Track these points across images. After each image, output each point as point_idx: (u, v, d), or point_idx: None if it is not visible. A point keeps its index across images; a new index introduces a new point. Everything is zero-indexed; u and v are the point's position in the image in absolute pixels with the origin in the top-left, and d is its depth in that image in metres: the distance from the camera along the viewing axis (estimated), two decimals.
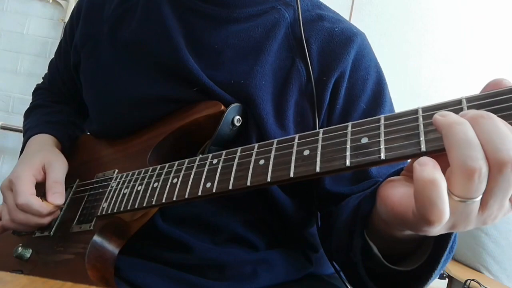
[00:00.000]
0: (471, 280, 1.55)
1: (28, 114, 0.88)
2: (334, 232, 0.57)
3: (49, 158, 0.69)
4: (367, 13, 2.24)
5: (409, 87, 2.12)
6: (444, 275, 1.76)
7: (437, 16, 2.28)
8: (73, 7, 1.07)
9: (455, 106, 0.35)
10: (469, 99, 0.35)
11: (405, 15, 2.28)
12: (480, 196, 0.32)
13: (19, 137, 2.09)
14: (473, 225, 0.34)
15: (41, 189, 0.66)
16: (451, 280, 1.77)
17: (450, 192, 0.32)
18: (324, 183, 0.63)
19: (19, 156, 0.78)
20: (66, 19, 2.08)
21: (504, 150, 0.30)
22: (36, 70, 2.16)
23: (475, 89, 0.36)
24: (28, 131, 0.79)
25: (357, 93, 0.64)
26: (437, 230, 0.34)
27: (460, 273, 1.69)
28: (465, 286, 1.56)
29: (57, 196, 0.64)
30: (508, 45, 2.22)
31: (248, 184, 0.45)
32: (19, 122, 2.09)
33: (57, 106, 0.87)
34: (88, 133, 0.80)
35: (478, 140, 0.31)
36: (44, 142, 0.76)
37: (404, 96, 1.95)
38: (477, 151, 0.31)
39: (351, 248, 0.49)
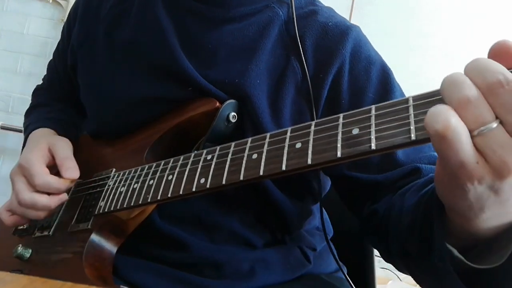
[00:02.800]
0: None
1: (29, 113, 0.88)
2: (396, 235, 0.52)
3: (53, 141, 0.69)
4: (367, 13, 2.24)
5: (409, 87, 2.10)
6: None
7: (438, 16, 2.28)
8: None
9: None
10: None
11: (405, 15, 2.28)
12: (496, 122, 0.31)
13: (19, 137, 2.09)
14: None
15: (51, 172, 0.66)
16: None
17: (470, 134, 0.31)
18: (355, 173, 0.61)
19: (21, 155, 0.78)
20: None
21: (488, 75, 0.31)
22: (36, 70, 2.16)
23: None
24: (30, 126, 0.80)
25: (362, 84, 0.63)
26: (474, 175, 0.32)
27: None
28: None
29: (71, 170, 0.65)
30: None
31: (241, 178, 0.45)
32: (19, 122, 2.10)
33: (58, 105, 0.87)
34: (86, 133, 0.80)
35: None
36: (46, 132, 0.77)
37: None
38: (464, 82, 0.31)
39: (430, 252, 0.44)
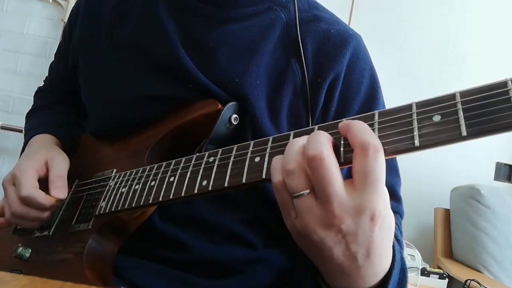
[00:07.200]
0: (471, 280, 1.55)
1: (29, 116, 0.88)
2: None
3: (51, 154, 0.69)
4: (367, 14, 2.24)
5: (409, 88, 2.12)
6: (444, 275, 1.76)
7: (438, 16, 2.28)
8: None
9: (449, 101, 0.35)
10: (463, 94, 0.35)
11: (405, 16, 2.28)
12: (307, 191, 0.38)
13: (19, 137, 2.09)
14: (329, 220, 0.38)
15: (43, 185, 0.66)
16: (451, 280, 1.77)
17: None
18: None
19: (20, 156, 0.78)
20: (66, 19, 2.08)
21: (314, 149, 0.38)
22: (36, 70, 2.16)
23: None
24: (30, 131, 0.79)
25: (351, 96, 0.64)
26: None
27: (460, 273, 1.69)
28: (465, 286, 1.56)
29: (60, 190, 0.65)
30: (509, 46, 2.22)
31: (244, 181, 0.45)
32: (19, 122, 2.10)
33: (59, 107, 0.87)
34: (87, 133, 0.80)
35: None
36: (46, 141, 0.76)
37: (404, 97, 1.94)
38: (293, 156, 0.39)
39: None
